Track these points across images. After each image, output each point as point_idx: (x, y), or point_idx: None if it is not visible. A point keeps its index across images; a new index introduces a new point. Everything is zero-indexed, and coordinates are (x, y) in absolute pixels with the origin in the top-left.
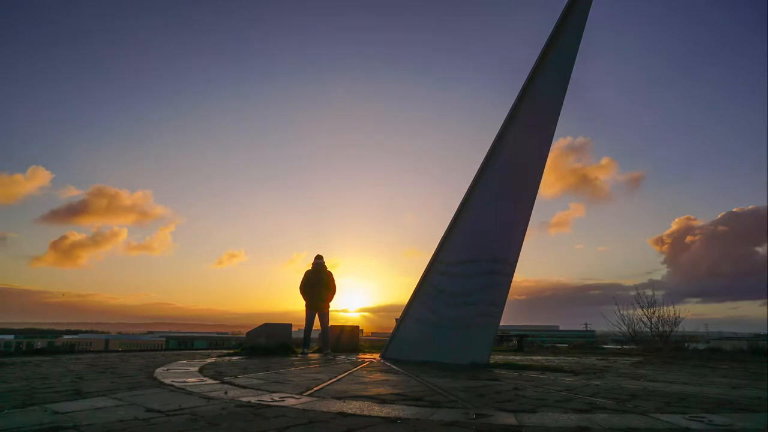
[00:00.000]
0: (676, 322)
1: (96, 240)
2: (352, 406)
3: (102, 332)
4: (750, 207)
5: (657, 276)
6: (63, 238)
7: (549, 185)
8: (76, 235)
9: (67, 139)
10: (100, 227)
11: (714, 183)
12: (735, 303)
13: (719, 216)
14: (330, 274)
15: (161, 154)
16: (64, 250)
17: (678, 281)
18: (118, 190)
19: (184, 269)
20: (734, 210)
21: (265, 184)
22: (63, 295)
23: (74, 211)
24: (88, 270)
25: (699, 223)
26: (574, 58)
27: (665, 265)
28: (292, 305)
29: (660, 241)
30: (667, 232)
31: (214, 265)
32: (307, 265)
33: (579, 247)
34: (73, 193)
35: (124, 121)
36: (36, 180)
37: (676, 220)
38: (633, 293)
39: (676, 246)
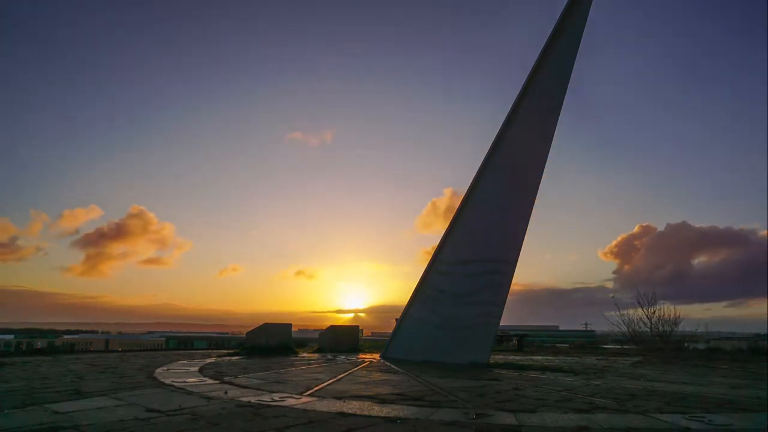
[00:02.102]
0: (675, 321)
1: (125, 255)
2: (352, 406)
3: (102, 332)
4: (708, 225)
5: (608, 284)
6: (97, 254)
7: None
8: (110, 250)
9: (112, 179)
10: (132, 248)
11: (674, 190)
12: (703, 305)
13: (665, 226)
14: None
15: (179, 181)
16: (94, 261)
17: (627, 287)
18: (153, 216)
19: (189, 275)
20: (692, 224)
21: (266, 194)
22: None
23: (113, 234)
24: (108, 278)
25: (641, 241)
26: (574, 58)
27: (615, 275)
28: (292, 306)
29: (610, 252)
30: (617, 241)
31: (217, 275)
32: (305, 268)
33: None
34: (114, 222)
35: (154, 158)
36: (91, 214)
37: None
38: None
39: (626, 254)
